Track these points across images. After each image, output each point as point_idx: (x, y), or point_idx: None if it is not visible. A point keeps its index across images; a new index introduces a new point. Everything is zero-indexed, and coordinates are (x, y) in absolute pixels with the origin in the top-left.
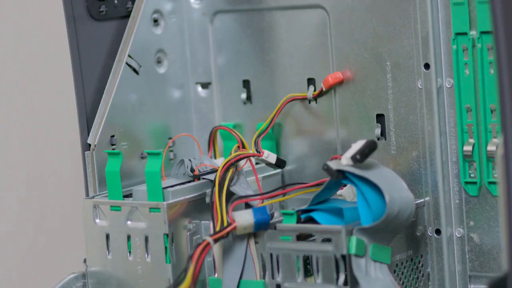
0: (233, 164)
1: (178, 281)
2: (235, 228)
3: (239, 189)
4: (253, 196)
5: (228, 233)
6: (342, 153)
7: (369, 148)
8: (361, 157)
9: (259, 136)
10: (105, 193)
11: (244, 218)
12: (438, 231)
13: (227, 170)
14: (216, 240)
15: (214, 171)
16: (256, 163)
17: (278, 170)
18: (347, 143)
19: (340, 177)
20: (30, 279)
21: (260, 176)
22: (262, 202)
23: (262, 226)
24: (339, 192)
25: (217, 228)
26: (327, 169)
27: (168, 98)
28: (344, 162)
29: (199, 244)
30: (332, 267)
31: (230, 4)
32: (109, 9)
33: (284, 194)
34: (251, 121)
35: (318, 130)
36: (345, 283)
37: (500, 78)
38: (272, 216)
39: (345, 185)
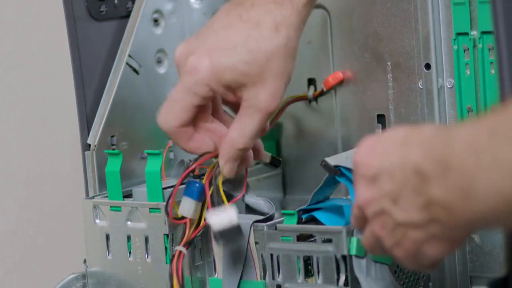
0: None
1: None
2: (189, 221)
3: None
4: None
5: (199, 232)
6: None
7: (232, 232)
8: (220, 238)
9: None
10: (105, 193)
11: (187, 207)
12: None
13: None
14: (186, 245)
15: None
16: (257, 163)
17: (278, 171)
18: (348, 143)
19: (338, 173)
20: (30, 279)
21: (260, 176)
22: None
23: (202, 195)
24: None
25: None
26: (325, 165)
27: None
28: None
29: (173, 256)
30: (332, 268)
31: None
32: (109, 9)
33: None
34: None
35: (318, 130)
36: (346, 284)
37: (501, 78)
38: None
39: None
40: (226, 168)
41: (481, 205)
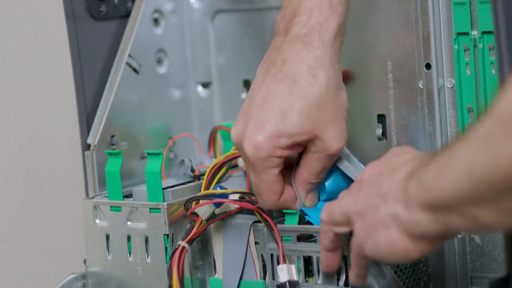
0: (225, 163)
1: None
2: (200, 220)
3: None
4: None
5: (202, 232)
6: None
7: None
8: None
9: None
10: (105, 193)
11: (205, 210)
12: None
13: (219, 169)
14: (190, 242)
15: None
16: None
17: None
18: (348, 143)
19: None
20: (30, 279)
21: None
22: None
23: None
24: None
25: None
26: None
27: (168, 98)
28: None
29: (175, 250)
30: None
31: (231, 4)
32: (109, 8)
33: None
34: None
35: None
36: (346, 284)
37: (501, 78)
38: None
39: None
40: (307, 200)
41: (448, 185)
